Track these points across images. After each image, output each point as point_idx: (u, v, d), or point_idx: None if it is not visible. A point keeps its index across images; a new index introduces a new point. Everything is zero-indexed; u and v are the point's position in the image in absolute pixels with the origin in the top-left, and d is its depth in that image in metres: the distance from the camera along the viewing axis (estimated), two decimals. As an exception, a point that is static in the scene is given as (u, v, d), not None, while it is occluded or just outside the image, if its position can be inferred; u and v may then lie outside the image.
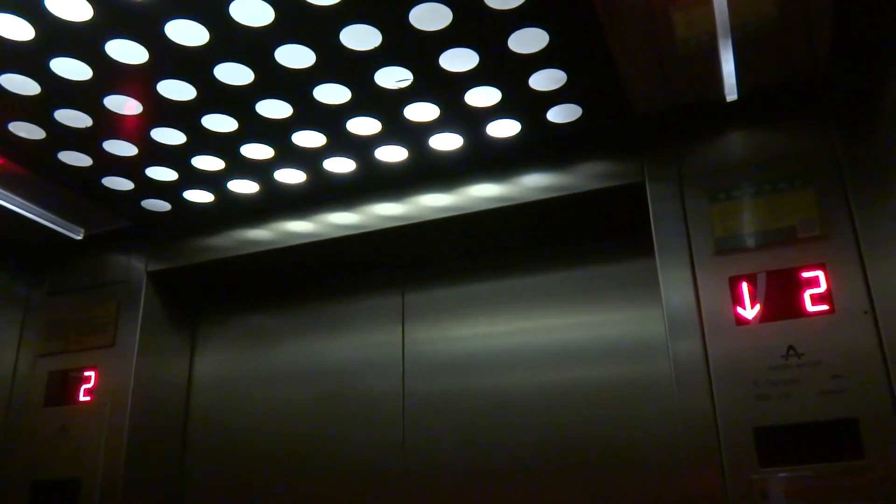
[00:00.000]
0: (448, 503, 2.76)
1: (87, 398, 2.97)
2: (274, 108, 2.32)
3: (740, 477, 2.05)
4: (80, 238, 3.16)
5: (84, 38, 1.98)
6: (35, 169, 2.65)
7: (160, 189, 2.81)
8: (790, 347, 2.12)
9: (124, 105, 2.28)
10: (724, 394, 2.14)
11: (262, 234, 2.95)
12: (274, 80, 2.18)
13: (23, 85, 2.17)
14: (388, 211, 2.78)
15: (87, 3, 1.86)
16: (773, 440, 2.05)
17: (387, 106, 2.33)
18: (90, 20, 1.91)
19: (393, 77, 2.18)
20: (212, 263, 3.05)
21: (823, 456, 2.00)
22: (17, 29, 1.94)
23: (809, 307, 2.14)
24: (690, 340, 2.22)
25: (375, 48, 2.05)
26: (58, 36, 1.97)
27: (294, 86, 2.21)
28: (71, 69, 2.11)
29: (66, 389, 3.03)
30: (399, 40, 2.03)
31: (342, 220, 2.84)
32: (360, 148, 2.56)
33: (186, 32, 1.97)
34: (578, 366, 2.73)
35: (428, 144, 2.55)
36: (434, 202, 2.73)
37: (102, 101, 2.26)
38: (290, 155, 2.59)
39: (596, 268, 2.83)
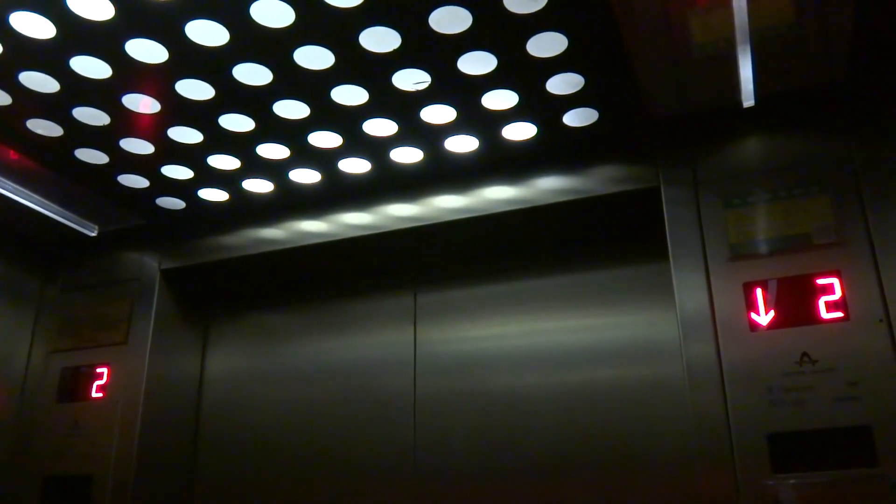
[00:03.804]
0: (459, 502, 2.76)
1: (100, 394, 2.99)
2: (291, 109, 2.33)
3: (753, 482, 2.05)
4: (94, 235, 3.18)
5: (105, 36, 1.99)
6: (51, 166, 2.68)
7: (175, 187, 2.83)
8: (804, 354, 2.12)
9: (142, 104, 2.29)
10: (738, 399, 2.14)
11: (275, 234, 2.96)
12: (292, 81, 2.19)
13: (42, 83, 2.19)
14: (402, 212, 2.79)
15: (108, 2, 1.87)
16: (786, 446, 2.05)
17: (403, 108, 2.34)
18: (111, 19, 1.92)
19: (411, 79, 2.19)
20: (225, 262, 3.06)
21: (837, 463, 2.00)
22: (39, 27, 1.95)
23: (824, 314, 2.14)
24: (704, 345, 2.23)
25: (394, 50, 2.06)
26: (79, 34, 1.98)
27: (312, 87, 2.22)
28: (91, 67, 2.12)
29: (78, 386, 3.04)
30: (418, 43, 2.03)
31: (356, 220, 2.85)
32: (376, 149, 2.57)
33: (207, 33, 1.98)
34: (590, 368, 2.74)
35: (443, 146, 2.56)
36: (448, 204, 2.73)
37: (121, 99, 2.27)
38: (305, 155, 2.60)
39: (609, 271, 2.83)
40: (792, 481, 2.02)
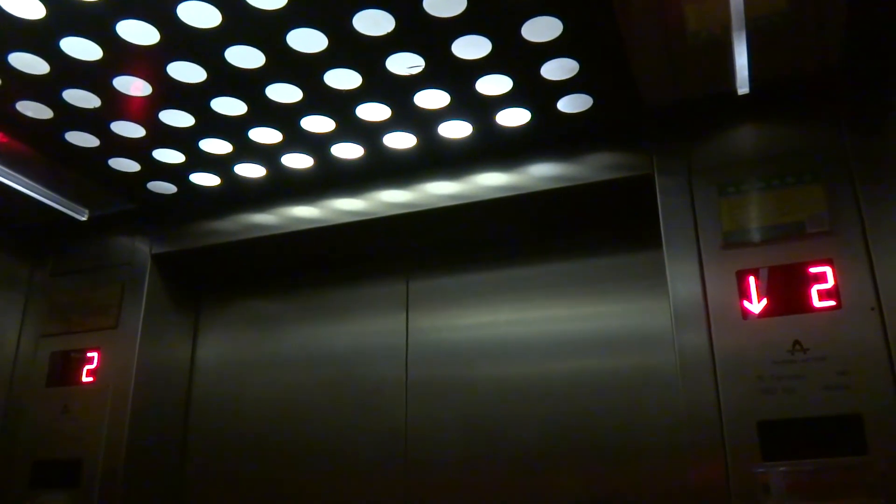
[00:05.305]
0: (449, 491, 2.76)
1: (90, 379, 2.98)
2: (284, 93, 2.31)
3: (743, 469, 2.05)
4: (84, 219, 3.15)
5: (95, 17, 1.96)
6: (41, 149, 2.65)
7: (167, 171, 2.80)
8: (796, 342, 2.12)
9: (133, 86, 2.27)
10: (729, 387, 2.14)
11: (267, 219, 2.95)
12: (285, 64, 2.17)
13: (32, 64, 2.16)
14: (394, 198, 2.78)
15: (99, -18, 1.85)
16: (776, 434, 2.06)
17: (397, 92, 2.32)
18: (103, 0, 1.90)
19: (405, 63, 2.17)
20: (217, 247, 3.04)
21: (826, 451, 2.00)
22: (28, 7, 1.92)
23: (816, 302, 2.13)
24: (696, 333, 2.22)
25: (388, 34, 2.04)
26: (69, 15, 1.96)
27: (305, 70, 2.20)
28: (81, 49, 2.09)
29: (68, 370, 3.03)
30: (412, 26, 2.01)
31: (348, 206, 2.84)
32: (369, 134, 2.55)
33: (199, 14, 1.95)
34: (582, 356, 2.73)
35: (437, 132, 2.54)
36: (441, 190, 2.72)
37: (111, 81, 2.24)
38: (298, 140, 2.58)
39: (602, 259, 2.82)
40: (782, 469, 2.02)
